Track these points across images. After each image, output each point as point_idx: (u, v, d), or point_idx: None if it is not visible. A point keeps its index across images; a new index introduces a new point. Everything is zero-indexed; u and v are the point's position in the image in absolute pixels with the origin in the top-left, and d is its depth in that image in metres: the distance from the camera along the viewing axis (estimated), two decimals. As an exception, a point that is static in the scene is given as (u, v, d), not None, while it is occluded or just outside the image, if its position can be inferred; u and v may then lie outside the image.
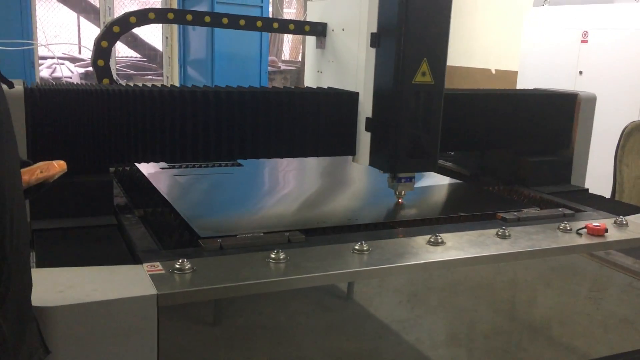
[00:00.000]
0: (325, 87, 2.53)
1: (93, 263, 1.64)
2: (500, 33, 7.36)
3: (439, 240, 1.90)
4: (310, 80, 2.73)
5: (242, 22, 2.56)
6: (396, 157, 2.18)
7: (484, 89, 2.93)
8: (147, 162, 2.14)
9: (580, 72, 5.60)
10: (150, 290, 1.46)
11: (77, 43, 10.30)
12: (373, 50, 2.19)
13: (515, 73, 6.38)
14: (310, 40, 2.68)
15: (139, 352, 1.45)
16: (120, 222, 2.00)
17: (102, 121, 1.97)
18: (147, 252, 1.72)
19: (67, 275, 1.50)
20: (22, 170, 1.34)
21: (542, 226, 2.14)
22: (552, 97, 2.83)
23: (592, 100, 2.85)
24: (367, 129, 2.26)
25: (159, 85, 2.14)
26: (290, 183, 2.84)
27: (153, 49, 10.18)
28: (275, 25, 2.66)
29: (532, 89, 3.05)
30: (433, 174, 2.92)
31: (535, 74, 5.97)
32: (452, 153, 3.21)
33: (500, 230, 2.02)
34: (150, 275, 1.54)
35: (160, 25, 7.54)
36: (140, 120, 2.02)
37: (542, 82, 5.92)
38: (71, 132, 1.94)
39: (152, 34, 9.78)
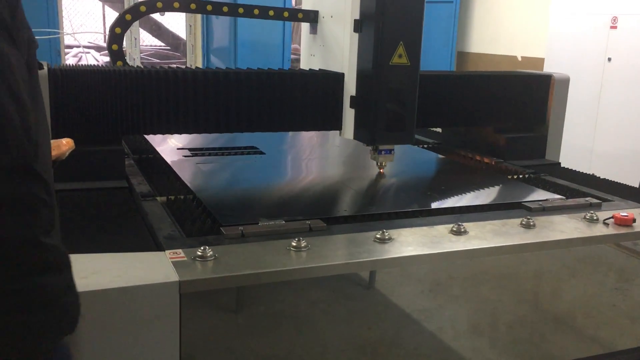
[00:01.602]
0: (317, 69, 2.72)
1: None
2: (526, 19, 7.23)
3: (462, 230, 1.88)
4: (304, 63, 2.93)
5: (240, 10, 2.76)
6: (376, 131, 2.40)
7: (466, 71, 3.15)
8: (154, 133, 2.42)
9: (609, 59, 5.48)
10: (172, 277, 1.47)
11: (102, 32, 10.39)
12: (356, 35, 2.41)
13: (542, 60, 6.27)
14: (305, 26, 2.88)
15: (161, 339, 1.46)
16: (142, 209, 2.02)
17: (115, 97, 2.24)
18: (169, 239, 1.73)
19: (90, 262, 1.52)
20: None
21: (568, 216, 2.11)
22: (529, 78, 3.06)
23: (565, 81, 3.08)
24: (351, 106, 2.49)
25: (166, 67, 2.37)
26: (311, 171, 2.83)
27: (177, 38, 10.22)
28: (271, 12, 2.80)
29: (510, 71, 3.30)
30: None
31: (562, 61, 5.86)
32: (440, 130, 3.55)
33: (525, 219, 1.99)
34: (172, 262, 1.55)
35: (184, 14, 7.56)
36: (148, 96, 2.28)
37: (570, 69, 5.80)
38: (88, 107, 2.21)
39: (176, 22, 9.83)
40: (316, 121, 2.56)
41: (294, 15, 2.79)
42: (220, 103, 2.37)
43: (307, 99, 2.50)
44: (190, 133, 2.42)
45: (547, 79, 3.04)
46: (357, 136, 2.49)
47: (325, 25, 2.69)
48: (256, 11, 2.74)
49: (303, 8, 2.85)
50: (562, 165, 3.03)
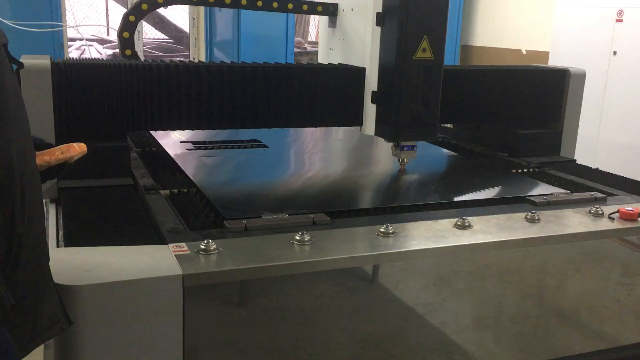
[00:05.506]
0: (336, 63, 2.68)
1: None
2: (531, 12, 7.18)
3: (466, 224, 1.88)
4: (322, 57, 2.89)
5: (259, 3, 2.69)
6: (398, 127, 2.36)
7: (479, 65, 3.04)
8: (162, 129, 2.34)
9: (615, 53, 5.44)
10: (176, 270, 1.46)
11: (105, 24, 10.37)
12: (378, 29, 2.36)
13: (546, 54, 6.23)
14: (323, 20, 2.83)
15: (164, 332, 1.46)
16: (146, 202, 2.02)
17: (119, 92, 2.18)
18: (172, 233, 1.73)
19: (93, 255, 1.52)
20: (43, 151, 1.38)
21: (573, 210, 2.10)
22: (544, 72, 2.99)
23: (581, 76, 3.02)
24: (372, 102, 2.44)
25: (168, 61, 2.30)
26: (315, 165, 2.82)
27: (180, 31, 10.20)
28: (290, 5, 2.75)
29: (525, 65, 3.18)
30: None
31: (567, 55, 5.82)
32: (450, 126, 3.44)
33: (529, 213, 1.98)
34: (175, 255, 1.54)
35: (187, 6, 7.54)
36: (155, 91, 2.22)
37: (575, 63, 5.76)
38: (92, 102, 2.15)
39: (178, 15, 9.80)
40: (336, 117, 2.52)
41: (313, 9, 2.75)
42: (236, 99, 2.32)
43: (327, 95, 2.45)
44: (204, 129, 2.37)
45: (562, 73, 2.98)
46: (378, 132, 2.45)
47: (346, 19, 2.65)
48: (275, 4, 2.68)
49: (322, 1, 2.80)
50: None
